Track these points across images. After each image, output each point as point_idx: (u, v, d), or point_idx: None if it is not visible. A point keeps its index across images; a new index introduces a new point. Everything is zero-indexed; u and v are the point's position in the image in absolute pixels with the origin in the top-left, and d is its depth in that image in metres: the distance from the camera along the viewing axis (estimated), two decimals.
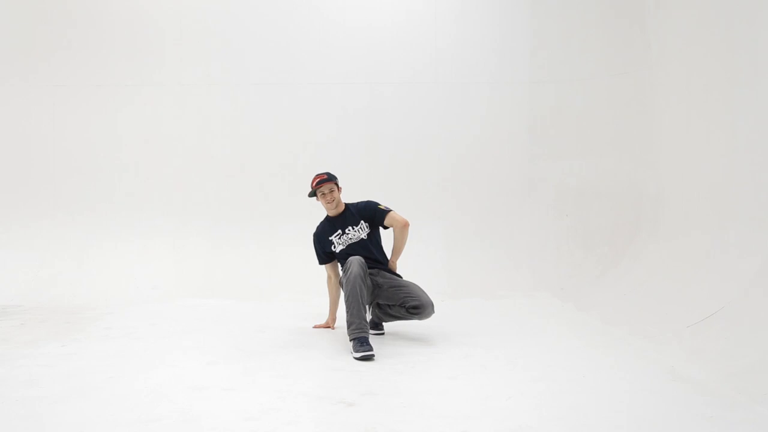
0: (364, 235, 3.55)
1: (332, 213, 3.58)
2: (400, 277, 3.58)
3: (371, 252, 3.55)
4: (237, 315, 4.27)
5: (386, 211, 3.55)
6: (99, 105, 5.51)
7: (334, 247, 3.57)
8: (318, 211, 3.76)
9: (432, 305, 3.36)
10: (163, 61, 5.51)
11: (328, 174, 3.53)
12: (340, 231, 3.55)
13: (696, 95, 4.12)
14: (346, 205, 3.62)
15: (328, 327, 3.79)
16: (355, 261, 3.24)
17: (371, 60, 5.51)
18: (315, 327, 3.81)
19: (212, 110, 5.53)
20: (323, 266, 3.75)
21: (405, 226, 3.53)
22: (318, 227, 3.69)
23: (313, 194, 3.55)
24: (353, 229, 3.55)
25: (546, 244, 5.36)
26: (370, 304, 3.57)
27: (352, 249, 3.51)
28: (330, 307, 3.82)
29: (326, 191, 3.49)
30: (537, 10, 5.48)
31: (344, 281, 3.24)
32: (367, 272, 3.31)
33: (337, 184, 3.55)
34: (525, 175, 5.49)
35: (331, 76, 5.51)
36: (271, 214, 5.46)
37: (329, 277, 3.75)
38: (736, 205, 3.59)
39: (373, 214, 3.56)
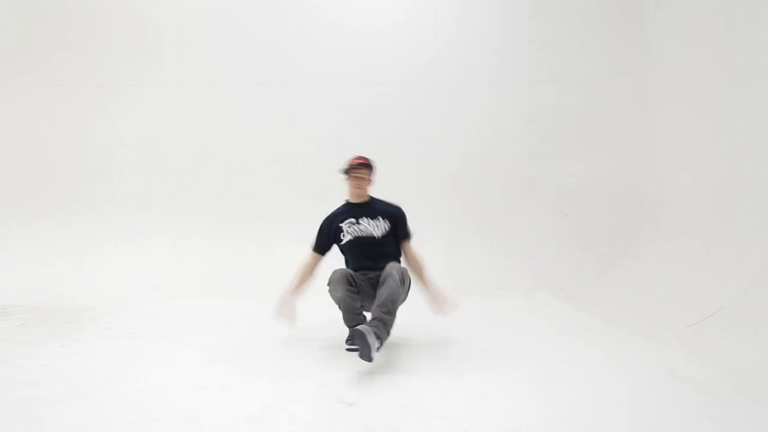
0: (378, 233, 3.33)
1: (354, 199, 3.43)
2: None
3: (380, 254, 3.30)
4: (237, 315, 4.27)
5: (410, 234, 3.43)
6: (99, 105, 5.51)
7: (343, 235, 3.35)
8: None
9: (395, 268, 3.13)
10: (163, 61, 5.51)
11: (368, 161, 3.45)
12: (353, 219, 3.36)
13: (696, 95, 4.12)
14: (372, 198, 3.47)
15: (291, 312, 3.26)
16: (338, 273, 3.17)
17: (371, 60, 5.51)
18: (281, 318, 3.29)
19: (212, 110, 5.53)
20: (311, 253, 3.40)
21: (416, 261, 3.39)
22: (334, 210, 3.50)
23: (344, 172, 3.41)
24: (367, 221, 3.35)
25: (546, 244, 5.36)
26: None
27: (360, 246, 3.32)
28: (294, 286, 3.33)
29: (359, 175, 3.37)
30: (537, 10, 5.48)
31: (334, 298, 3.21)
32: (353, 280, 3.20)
33: (371, 175, 3.44)
34: (525, 175, 5.49)
35: (331, 76, 5.51)
36: (271, 214, 5.46)
37: (309, 264, 3.38)
38: (736, 205, 3.59)
39: (399, 220, 3.39)
